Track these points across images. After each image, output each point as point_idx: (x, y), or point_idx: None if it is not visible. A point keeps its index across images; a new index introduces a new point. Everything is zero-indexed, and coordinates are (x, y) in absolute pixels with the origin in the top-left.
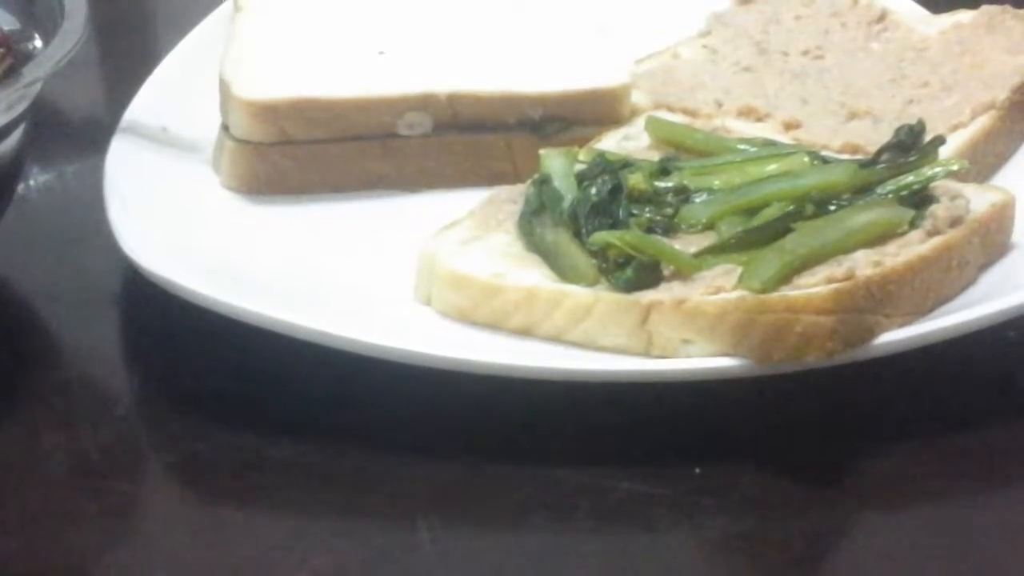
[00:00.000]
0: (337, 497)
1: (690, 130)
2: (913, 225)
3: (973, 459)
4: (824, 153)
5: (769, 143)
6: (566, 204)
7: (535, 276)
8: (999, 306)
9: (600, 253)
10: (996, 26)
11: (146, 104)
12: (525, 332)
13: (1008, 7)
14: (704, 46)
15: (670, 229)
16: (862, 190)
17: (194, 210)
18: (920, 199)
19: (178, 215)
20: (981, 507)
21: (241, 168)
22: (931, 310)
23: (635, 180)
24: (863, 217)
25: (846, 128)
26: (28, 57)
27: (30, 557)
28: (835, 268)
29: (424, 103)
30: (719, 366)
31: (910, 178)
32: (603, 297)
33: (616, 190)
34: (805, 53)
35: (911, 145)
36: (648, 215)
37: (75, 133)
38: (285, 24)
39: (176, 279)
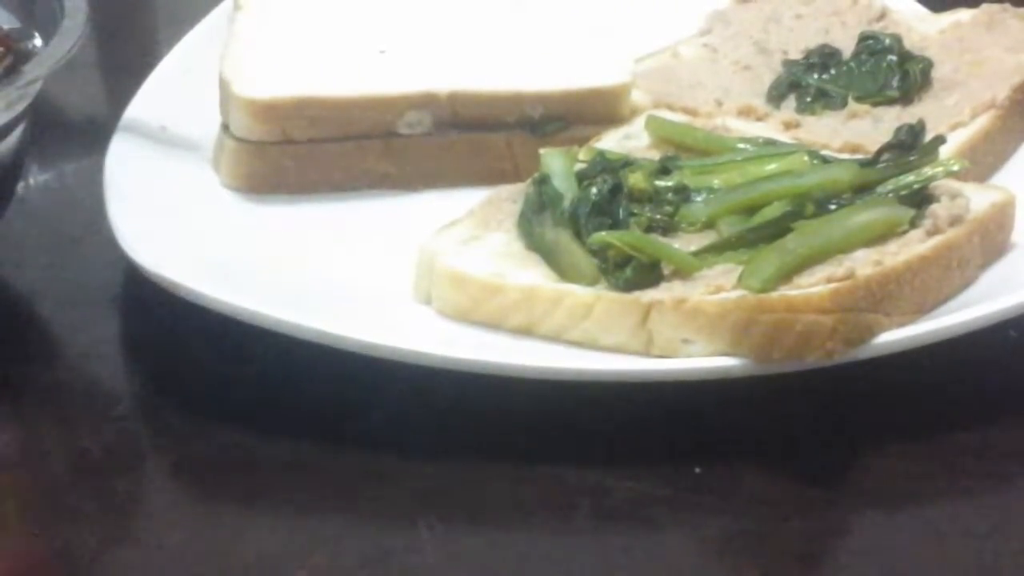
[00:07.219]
0: (337, 497)
1: (690, 129)
2: (913, 224)
3: (973, 459)
4: (824, 152)
5: (769, 142)
6: (566, 203)
7: (535, 275)
8: (999, 306)
9: (600, 253)
10: (996, 25)
11: (146, 103)
12: (525, 331)
13: (1008, 6)
14: (704, 45)
15: (670, 228)
16: (862, 189)
17: (194, 209)
18: (920, 198)
19: (178, 214)
20: (981, 507)
21: (241, 167)
22: (931, 309)
23: (635, 179)
24: (863, 216)
25: (846, 127)
26: (28, 56)
27: (30, 557)
28: (835, 267)
29: (424, 102)
30: (719, 366)
31: (910, 177)
32: (603, 296)
33: (616, 189)
34: (805, 52)
35: (911, 144)
36: (648, 214)
37: (75, 132)
38: (285, 23)
39: (176, 278)
